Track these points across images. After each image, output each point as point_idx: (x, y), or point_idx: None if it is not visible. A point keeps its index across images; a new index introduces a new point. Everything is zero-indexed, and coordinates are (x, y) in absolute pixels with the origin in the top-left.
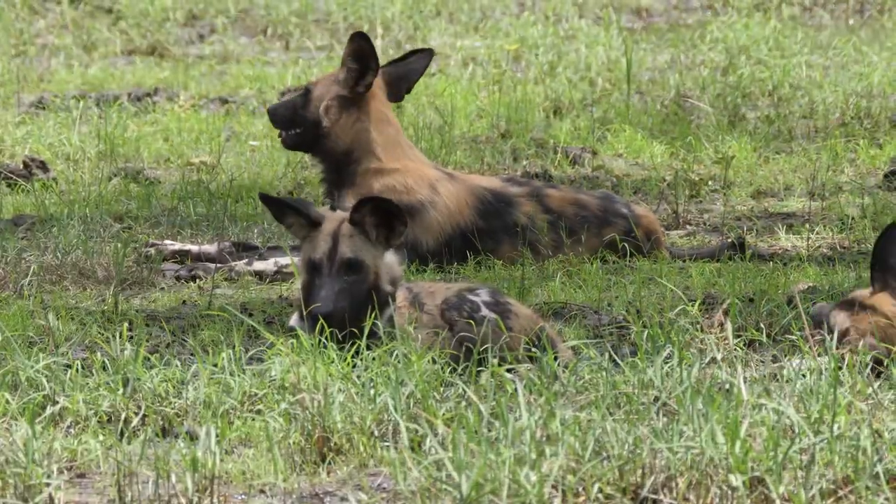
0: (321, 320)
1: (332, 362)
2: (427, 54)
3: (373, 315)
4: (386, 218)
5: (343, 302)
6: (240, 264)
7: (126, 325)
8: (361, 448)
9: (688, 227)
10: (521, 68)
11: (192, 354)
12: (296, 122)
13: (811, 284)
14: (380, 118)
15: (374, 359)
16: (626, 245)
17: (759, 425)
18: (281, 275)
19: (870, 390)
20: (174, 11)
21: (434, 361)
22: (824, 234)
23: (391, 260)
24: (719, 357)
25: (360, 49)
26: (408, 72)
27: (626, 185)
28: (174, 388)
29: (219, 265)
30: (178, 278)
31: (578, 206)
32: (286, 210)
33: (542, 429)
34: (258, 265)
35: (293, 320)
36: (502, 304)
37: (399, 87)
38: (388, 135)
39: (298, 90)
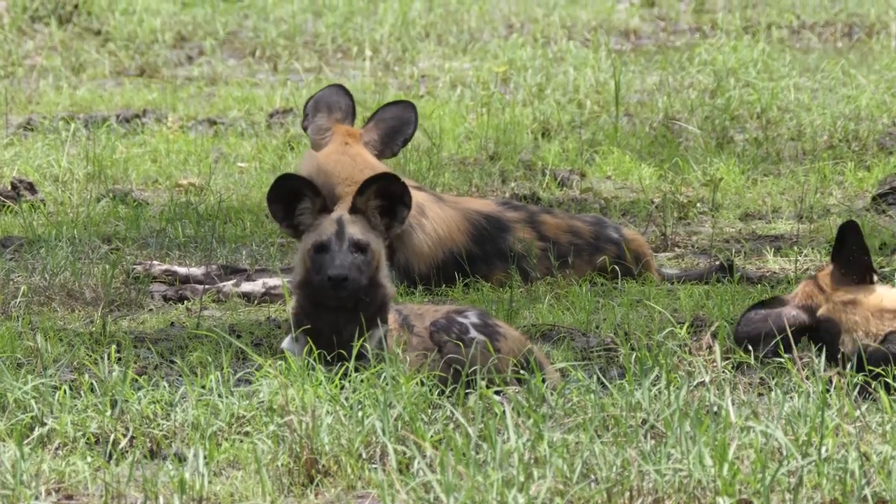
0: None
1: (321, 384)
2: (409, 107)
3: (361, 339)
4: (389, 201)
5: (356, 273)
6: (228, 285)
7: (114, 346)
8: (349, 470)
9: (676, 249)
10: (510, 90)
11: (180, 376)
12: None
13: None
14: (330, 145)
15: (362, 381)
16: (616, 268)
17: (747, 448)
18: (269, 296)
19: (857, 413)
20: (163, 33)
21: (422, 384)
22: (812, 257)
23: (386, 269)
24: (707, 380)
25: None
26: (401, 125)
27: (615, 208)
28: (162, 409)
29: (207, 286)
30: (165, 299)
31: (572, 234)
32: (305, 190)
33: (529, 451)
34: (246, 286)
35: (285, 343)
36: (491, 325)
37: (393, 140)
38: (342, 157)
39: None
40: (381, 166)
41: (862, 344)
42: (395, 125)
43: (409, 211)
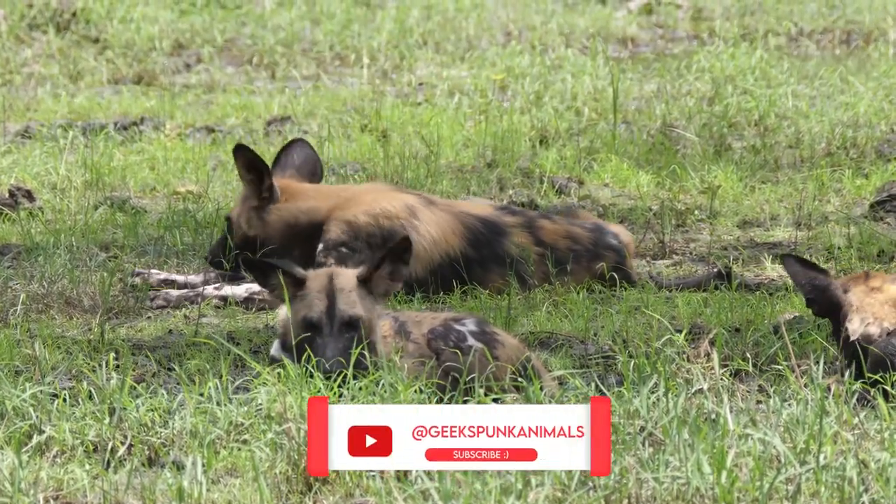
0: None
1: (319, 392)
2: (302, 143)
3: (359, 347)
4: (395, 259)
5: (347, 358)
6: (209, 289)
7: (112, 354)
8: (347, 478)
9: (674, 256)
10: (508, 98)
11: (178, 384)
12: (236, 247)
13: (797, 314)
14: (295, 190)
15: (360, 388)
16: (615, 275)
17: (746, 455)
18: (252, 302)
19: (856, 420)
20: (160, 41)
21: (420, 391)
22: None
23: (379, 328)
24: (705, 387)
25: (248, 160)
26: (305, 160)
27: (613, 215)
28: (160, 417)
29: (188, 291)
30: (149, 308)
31: (571, 240)
32: (270, 271)
33: None
34: (227, 290)
35: (274, 349)
36: (489, 333)
37: (313, 173)
38: (318, 192)
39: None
40: (395, 188)
41: (866, 334)
42: (305, 161)
43: (407, 267)
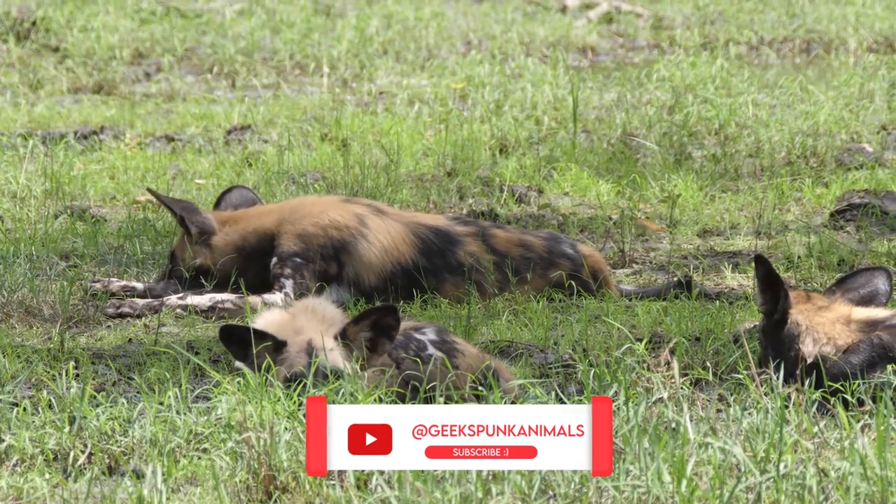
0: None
1: (279, 401)
2: (245, 189)
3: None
4: (379, 332)
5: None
6: (172, 298)
7: (72, 363)
8: (308, 487)
9: (634, 265)
10: (468, 107)
11: (138, 392)
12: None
13: (757, 323)
14: (237, 216)
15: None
16: (573, 284)
17: (706, 464)
18: (214, 311)
19: (816, 429)
20: (120, 50)
21: (380, 400)
22: None
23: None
24: (665, 396)
25: (163, 202)
26: (243, 202)
27: (573, 224)
28: (120, 426)
29: (151, 300)
30: (106, 316)
31: (524, 248)
32: (247, 345)
33: None
34: (191, 299)
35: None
36: (448, 342)
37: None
38: (260, 212)
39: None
40: (342, 198)
41: (821, 354)
42: (238, 203)
43: (390, 344)
